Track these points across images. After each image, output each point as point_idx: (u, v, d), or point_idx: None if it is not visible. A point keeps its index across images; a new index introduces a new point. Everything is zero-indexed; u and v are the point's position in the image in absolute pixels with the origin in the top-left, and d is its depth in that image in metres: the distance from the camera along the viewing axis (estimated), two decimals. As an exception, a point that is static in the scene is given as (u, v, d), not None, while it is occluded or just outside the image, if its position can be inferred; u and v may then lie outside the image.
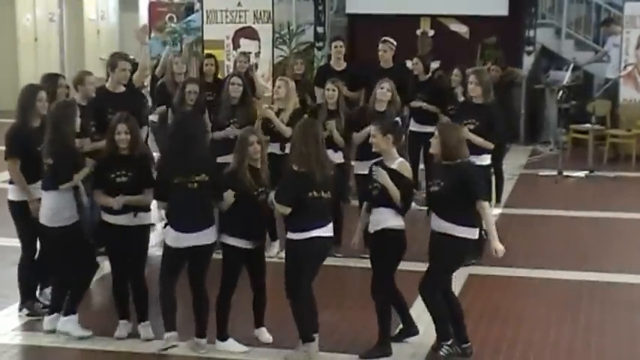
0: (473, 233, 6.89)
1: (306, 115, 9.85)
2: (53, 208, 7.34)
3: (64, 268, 7.52)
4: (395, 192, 6.87)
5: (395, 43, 11.43)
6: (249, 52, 13.26)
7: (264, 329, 7.34)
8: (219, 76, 11.55)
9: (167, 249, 7.11)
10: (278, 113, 9.56)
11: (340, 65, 11.37)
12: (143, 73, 9.64)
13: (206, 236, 7.01)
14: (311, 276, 6.92)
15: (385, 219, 6.97)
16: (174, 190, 6.96)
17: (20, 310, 7.98)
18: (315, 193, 6.77)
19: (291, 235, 6.87)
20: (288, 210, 6.79)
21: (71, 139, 7.43)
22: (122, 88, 9.02)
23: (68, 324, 7.45)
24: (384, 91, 9.34)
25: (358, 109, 9.90)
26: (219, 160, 9.03)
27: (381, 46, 11.38)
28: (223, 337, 7.17)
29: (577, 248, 10.11)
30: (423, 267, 7.91)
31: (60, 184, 7.25)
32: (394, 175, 6.94)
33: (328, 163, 7.02)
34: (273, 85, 11.47)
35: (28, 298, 8.00)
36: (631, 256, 9.85)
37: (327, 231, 6.90)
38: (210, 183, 6.99)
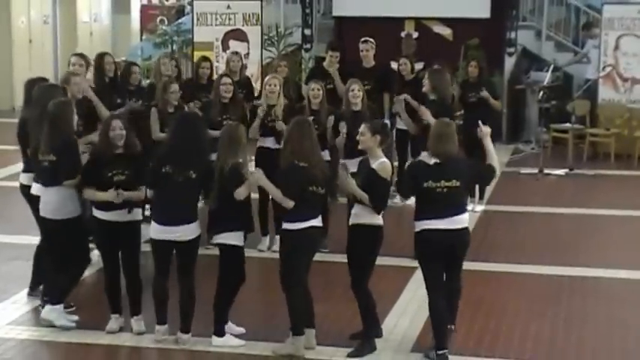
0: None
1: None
2: (55, 202, 7.47)
3: (60, 261, 7.61)
4: (362, 196, 7.02)
5: (374, 42, 11.68)
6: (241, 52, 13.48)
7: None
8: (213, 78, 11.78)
9: (152, 242, 7.25)
10: (270, 109, 9.78)
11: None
12: None
13: (188, 231, 7.15)
14: (306, 267, 7.11)
15: (362, 215, 7.09)
16: (161, 180, 7.12)
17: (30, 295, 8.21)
18: (314, 188, 7.00)
19: (287, 225, 7.02)
20: (292, 204, 6.96)
21: (72, 136, 7.59)
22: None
23: (52, 313, 7.56)
24: (355, 92, 9.61)
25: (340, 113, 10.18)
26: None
27: (362, 46, 11.59)
28: (221, 334, 7.33)
29: (557, 244, 10.29)
30: (408, 262, 8.26)
31: (64, 179, 7.39)
32: (371, 174, 7.10)
33: (323, 160, 7.29)
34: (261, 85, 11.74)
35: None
36: (609, 251, 10.06)
37: (318, 221, 7.10)
38: (196, 180, 7.12)
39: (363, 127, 7.27)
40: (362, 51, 11.59)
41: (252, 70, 14.78)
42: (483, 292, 8.52)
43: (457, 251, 7.08)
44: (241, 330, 7.47)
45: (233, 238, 7.19)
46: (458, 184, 6.95)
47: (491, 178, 7.40)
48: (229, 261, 7.25)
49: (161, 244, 7.19)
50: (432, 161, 6.99)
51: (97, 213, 7.40)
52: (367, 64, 11.54)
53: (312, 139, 7.12)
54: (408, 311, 7.99)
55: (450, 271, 7.14)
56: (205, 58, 11.72)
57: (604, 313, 8.19)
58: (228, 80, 10.01)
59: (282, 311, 7.16)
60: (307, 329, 7.16)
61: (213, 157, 9.11)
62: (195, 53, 14.62)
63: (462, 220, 7.01)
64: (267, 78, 10.07)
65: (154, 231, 7.20)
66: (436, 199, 6.92)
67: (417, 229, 7.03)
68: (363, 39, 11.74)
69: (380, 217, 7.14)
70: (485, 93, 11.45)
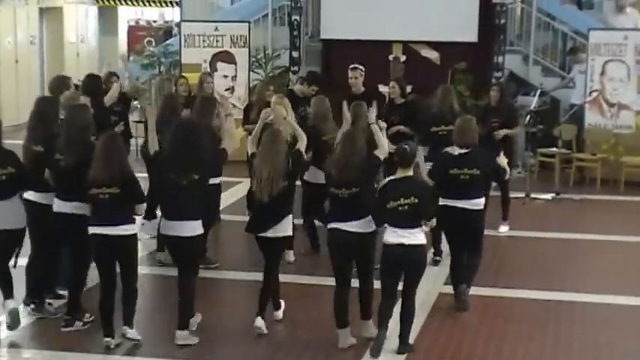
0: None
1: None
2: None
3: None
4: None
5: (364, 68, 11.66)
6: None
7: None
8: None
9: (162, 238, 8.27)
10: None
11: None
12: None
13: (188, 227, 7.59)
14: (339, 264, 7.62)
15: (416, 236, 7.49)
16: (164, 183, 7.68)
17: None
18: (333, 190, 7.58)
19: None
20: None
21: (91, 143, 7.74)
22: None
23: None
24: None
25: None
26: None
27: (351, 73, 11.57)
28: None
29: (544, 268, 10.30)
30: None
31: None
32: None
33: (357, 165, 7.49)
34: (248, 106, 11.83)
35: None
36: (596, 276, 10.08)
37: (346, 226, 7.49)
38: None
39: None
40: (351, 78, 11.55)
41: (240, 92, 14.80)
42: (471, 316, 8.55)
43: (473, 228, 8.53)
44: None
45: (289, 228, 7.85)
46: (478, 172, 8.38)
47: (503, 175, 8.91)
48: (281, 250, 8.08)
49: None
50: (457, 152, 8.40)
51: (92, 229, 7.51)
52: (357, 91, 11.51)
53: (351, 146, 7.56)
54: (396, 334, 7.93)
55: (469, 247, 8.56)
56: (182, 77, 11.83)
57: (590, 337, 8.22)
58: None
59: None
60: (364, 321, 7.84)
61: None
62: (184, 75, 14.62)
63: (479, 203, 8.49)
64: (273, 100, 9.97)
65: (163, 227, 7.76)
66: (459, 184, 8.33)
67: (441, 204, 8.23)
68: (351, 66, 11.69)
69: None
70: (503, 132, 11.66)
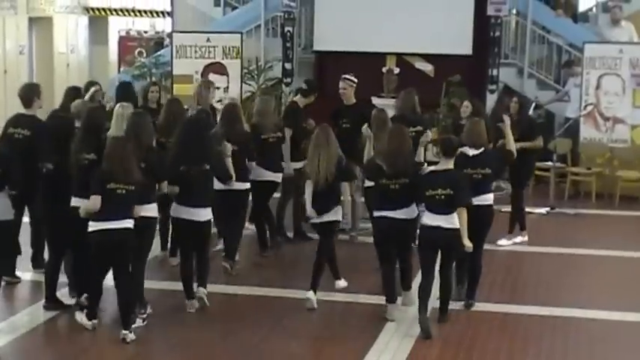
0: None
1: None
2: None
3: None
4: None
5: (355, 80, 11.56)
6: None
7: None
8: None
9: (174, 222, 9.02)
10: None
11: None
12: None
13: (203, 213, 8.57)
14: (382, 248, 8.81)
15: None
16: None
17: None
18: (385, 181, 8.48)
19: None
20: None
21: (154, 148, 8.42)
22: None
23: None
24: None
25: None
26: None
27: (340, 84, 11.51)
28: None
29: (538, 283, 10.24)
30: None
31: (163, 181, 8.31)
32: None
33: (406, 158, 8.58)
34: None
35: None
36: (591, 291, 10.00)
37: (394, 214, 8.48)
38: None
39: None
40: (340, 89, 11.50)
41: (231, 104, 14.59)
42: (464, 330, 8.48)
43: (481, 222, 8.80)
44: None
45: (336, 214, 8.93)
46: (489, 171, 8.97)
47: (512, 159, 9.47)
48: (333, 234, 9.08)
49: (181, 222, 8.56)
50: (471, 153, 8.88)
51: (102, 224, 7.70)
52: (348, 102, 11.43)
53: (399, 141, 8.65)
54: (390, 348, 7.94)
55: (475, 242, 8.49)
56: (154, 83, 11.78)
57: (585, 353, 8.16)
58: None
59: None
60: (405, 292, 8.98)
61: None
62: (175, 86, 14.54)
63: (488, 199, 8.97)
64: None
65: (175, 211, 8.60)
66: (472, 183, 8.62)
67: None
68: (342, 76, 11.63)
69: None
70: (523, 144, 11.39)
